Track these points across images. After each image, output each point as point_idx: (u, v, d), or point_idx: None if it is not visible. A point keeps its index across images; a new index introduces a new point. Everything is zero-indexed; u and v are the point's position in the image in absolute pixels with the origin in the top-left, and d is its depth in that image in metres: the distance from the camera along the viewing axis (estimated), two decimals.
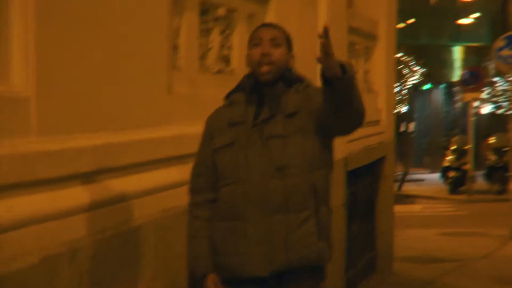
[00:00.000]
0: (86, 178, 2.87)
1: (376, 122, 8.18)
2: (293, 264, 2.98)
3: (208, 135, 3.16)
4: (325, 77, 2.70)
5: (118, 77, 3.17)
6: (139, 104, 3.34)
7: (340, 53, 6.48)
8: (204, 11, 4.22)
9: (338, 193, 6.23)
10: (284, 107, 3.02)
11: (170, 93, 3.67)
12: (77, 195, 2.80)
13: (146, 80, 3.42)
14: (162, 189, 3.43)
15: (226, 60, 4.53)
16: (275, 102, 3.02)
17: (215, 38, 4.35)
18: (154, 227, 3.33)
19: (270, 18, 4.98)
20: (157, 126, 3.47)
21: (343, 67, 2.66)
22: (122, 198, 3.09)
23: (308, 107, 3.01)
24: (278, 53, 3.03)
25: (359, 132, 7.29)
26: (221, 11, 4.36)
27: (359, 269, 7.50)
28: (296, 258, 2.98)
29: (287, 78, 3.07)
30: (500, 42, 11.63)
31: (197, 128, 3.81)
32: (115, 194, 3.05)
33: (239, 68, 4.62)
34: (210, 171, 3.10)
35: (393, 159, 8.70)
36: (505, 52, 11.55)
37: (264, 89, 3.05)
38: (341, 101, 2.76)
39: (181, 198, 3.57)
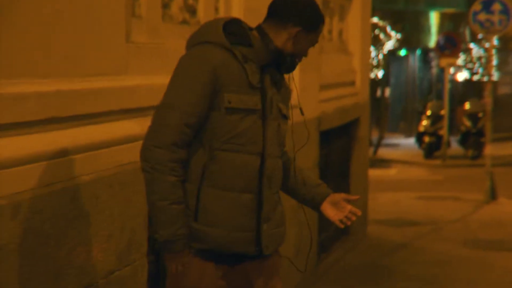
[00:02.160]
0: (31, 127, 2.64)
1: (351, 83, 8.00)
2: (282, 242, 2.96)
3: (212, 84, 2.66)
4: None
5: (71, 21, 2.93)
6: (93, 51, 3.10)
7: None
8: None
9: (311, 153, 6.05)
10: (287, 91, 2.96)
11: (128, 41, 3.43)
12: (20, 145, 2.58)
13: (102, 26, 3.17)
14: (117, 142, 3.21)
15: (192, 10, 4.29)
16: (283, 81, 2.91)
17: None
18: (108, 183, 3.11)
19: None
20: (113, 75, 3.24)
21: None
22: (72, 150, 2.87)
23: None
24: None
25: (333, 92, 7.15)
26: None
27: (332, 232, 7.35)
28: (283, 236, 2.96)
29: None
30: (476, 6, 11.45)
31: (158, 80, 3.59)
32: (64, 145, 2.82)
33: (205, 19, 4.38)
34: (198, 126, 2.67)
35: (368, 121, 8.54)
36: (482, 16, 11.39)
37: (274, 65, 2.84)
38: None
39: (138, 154, 3.36)
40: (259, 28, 2.83)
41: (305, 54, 2.86)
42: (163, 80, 3.64)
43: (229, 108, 2.68)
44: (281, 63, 2.81)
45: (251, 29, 2.85)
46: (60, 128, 2.84)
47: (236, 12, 4.62)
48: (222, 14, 4.62)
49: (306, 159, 5.68)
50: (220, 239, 2.73)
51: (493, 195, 11.17)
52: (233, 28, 2.77)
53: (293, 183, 3.07)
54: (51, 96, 2.75)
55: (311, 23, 2.82)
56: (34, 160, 2.63)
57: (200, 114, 2.66)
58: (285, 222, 2.96)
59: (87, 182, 2.95)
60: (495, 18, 11.30)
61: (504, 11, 11.28)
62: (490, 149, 11.47)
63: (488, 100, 11.72)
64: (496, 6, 11.30)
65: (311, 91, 6.14)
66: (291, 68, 2.85)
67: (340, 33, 7.76)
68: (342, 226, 3.05)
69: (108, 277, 3.11)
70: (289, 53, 2.80)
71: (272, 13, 2.83)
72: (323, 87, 6.66)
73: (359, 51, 8.04)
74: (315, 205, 3.09)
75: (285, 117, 2.91)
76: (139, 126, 3.40)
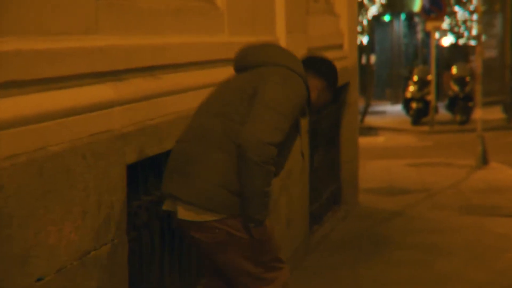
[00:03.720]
0: None
1: (339, 47, 7.68)
2: None
3: (301, 104, 3.25)
4: None
5: None
6: (58, 7, 2.76)
7: None
8: None
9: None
10: None
11: None
12: None
13: None
14: (89, 109, 2.87)
15: None
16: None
17: None
18: (81, 154, 2.78)
19: None
20: (81, 34, 2.90)
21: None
22: (37, 118, 2.54)
23: None
24: None
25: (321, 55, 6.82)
26: None
27: (323, 202, 7.08)
28: None
29: None
30: None
31: (133, 40, 3.27)
32: (27, 112, 2.49)
33: None
34: None
35: (357, 87, 8.23)
36: None
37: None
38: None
39: (116, 120, 3.04)
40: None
41: (321, 107, 3.59)
42: (138, 40, 3.33)
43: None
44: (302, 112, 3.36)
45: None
46: (22, 92, 2.51)
47: None
48: None
49: None
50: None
51: (484, 160, 10.93)
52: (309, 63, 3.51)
53: None
54: (10, 57, 2.42)
55: (334, 82, 3.52)
56: None
57: (291, 123, 3.17)
58: None
59: (56, 153, 2.62)
60: None
61: None
62: (480, 113, 11.19)
63: (478, 62, 11.41)
64: None
65: (298, 53, 5.79)
66: (305, 114, 3.40)
67: None
68: None
69: (83, 258, 2.80)
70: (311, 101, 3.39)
71: (310, 64, 3.48)
72: (311, 50, 6.33)
73: (346, 13, 7.70)
74: None
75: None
76: (113, 90, 3.08)
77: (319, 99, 3.46)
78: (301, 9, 5.94)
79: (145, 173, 3.51)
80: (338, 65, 7.32)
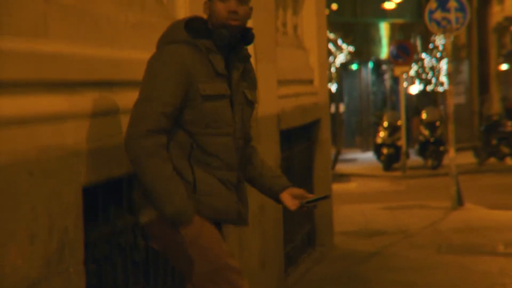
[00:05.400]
0: None
1: (309, 82, 7.46)
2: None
3: (184, 75, 2.95)
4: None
5: None
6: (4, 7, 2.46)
7: (265, 1, 5.71)
8: None
9: (271, 152, 5.48)
10: (251, 74, 3.22)
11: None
12: None
13: None
14: (38, 120, 2.55)
15: None
16: (245, 65, 3.15)
17: None
18: (27, 169, 2.45)
19: None
20: (29, 36, 2.60)
21: None
22: None
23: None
24: (244, 11, 3.05)
25: (291, 89, 6.59)
26: None
27: (298, 243, 6.76)
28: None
29: (248, 36, 3.13)
30: (432, 4, 11.02)
31: (87, 50, 2.98)
32: None
33: None
34: (176, 113, 2.95)
35: (329, 124, 7.99)
36: (437, 15, 10.97)
37: (233, 47, 3.08)
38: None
39: (69, 135, 2.72)
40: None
41: (230, 18, 3.00)
42: (95, 50, 3.04)
43: (204, 95, 2.96)
44: (215, 37, 3.01)
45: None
46: None
47: None
48: None
49: (267, 158, 5.12)
50: (216, 208, 3.02)
51: (459, 201, 10.72)
52: (194, 24, 3.06)
53: (254, 172, 3.33)
54: None
55: None
56: None
57: (175, 104, 2.91)
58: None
59: None
60: (452, 16, 10.89)
61: (460, 8, 10.87)
62: (453, 153, 10.98)
63: (449, 102, 11.24)
64: (452, 4, 10.88)
65: (269, 84, 5.56)
66: (235, 29, 3.02)
67: (295, 28, 7.23)
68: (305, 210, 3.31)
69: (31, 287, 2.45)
70: (219, 25, 3.02)
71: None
72: (281, 83, 6.10)
73: (316, 48, 7.50)
74: (274, 194, 3.32)
75: (251, 103, 3.18)
76: (66, 102, 2.77)
77: (219, 14, 3.02)
78: (270, 39, 5.71)
79: (105, 199, 3.18)
80: (309, 100, 7.16)
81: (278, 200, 3.31)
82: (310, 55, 7.50)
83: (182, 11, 4.06)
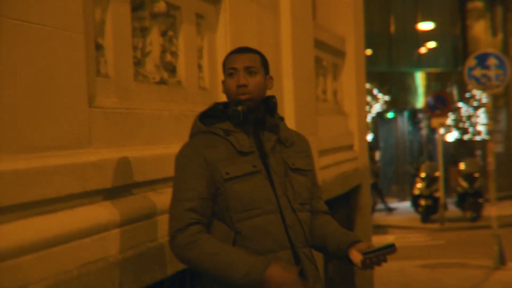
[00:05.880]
0: None
1: (349, 147, 7.35)
2: None
3: (201, 164, 2.79)
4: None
5: (12, 78, 2.25)
6: (44, 119, 2.40)
7: (306, 67, 5.65)
8: (138, 6, 3.33)
9: None
10: (292, 141, 3.03)
11: (92, 106, 2.74)
12: None
13: (55, 88, 2.48)
14: (80, 235, 2.47)
15: (171, 68, 3.63)
16: (273, 131, 2.98)
17: (154, 39, 3.45)
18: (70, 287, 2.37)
19: (223, 19, 4.11)
20: (72, 149, 2.53)
21: None
22: (16, 252, 2.13)
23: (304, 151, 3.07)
24: (255, 82, 2.90)
25: (332, 158, 6.49)
26: (160, 7, 3.46)
27: None
28: None
29: (270, 105, 2.98)
30: (471, 62, 10.91)
31: (131, 152, 2.90)
32: (3, 246, 2.09)
33: (187, 79, 3.73)
34: (207, 203, 2.79)
35: (369, 188, 7.85)
36: (477, 72, 10.84)
37: (255, 119, 2.94)
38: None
39: (112, 245, 2.64)
40: None
41: (239, 93, 2.87)
42: (137, 152, 2.97)
43: (227, 179, 2.79)
44: (229, 117, 2.89)
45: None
46: (1, 221, 2.12)
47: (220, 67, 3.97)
48: (205, 71, 3.97)
49: None
50: None
51: (501, 260, 10.45)
52: (208, 112, 2.95)
53: (325, 239, 3.06)
54: None
55: (224, 67, 2.97)
56: None
57: (200, 196, 2.76)
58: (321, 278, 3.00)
59: None
60: (492, 73, 10.75)
61: (500, 65, 10.74)
62: (495, 211, 10.74)
63: (490, 159, 11.05)
64: (492, 61, 10.76)
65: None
66: (246, 102, 2.88)
67: (335, 93, 7.14)
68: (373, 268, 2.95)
69: None
70: (233, 103, 2.90)
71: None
72: (322, 153, 6.00)
73: (356, 112, 7.41)
74: (342, 252, 2.99)
75: (301, 170, 2.97)
76: (108, 211, 2.69)
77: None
78: (311, 110, 5.63)
79: None
80: (350, 166, 7.04)
81: (348, 259, 2.95)
82: (349, 119, 7.41)
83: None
